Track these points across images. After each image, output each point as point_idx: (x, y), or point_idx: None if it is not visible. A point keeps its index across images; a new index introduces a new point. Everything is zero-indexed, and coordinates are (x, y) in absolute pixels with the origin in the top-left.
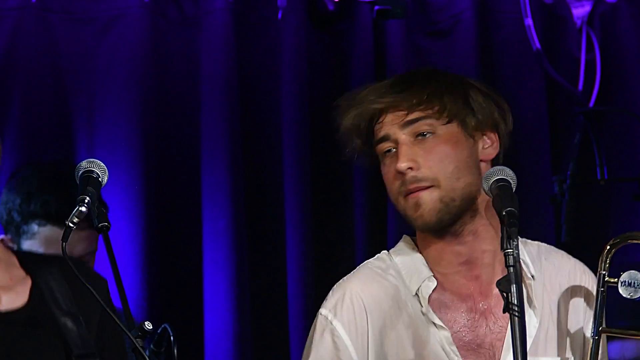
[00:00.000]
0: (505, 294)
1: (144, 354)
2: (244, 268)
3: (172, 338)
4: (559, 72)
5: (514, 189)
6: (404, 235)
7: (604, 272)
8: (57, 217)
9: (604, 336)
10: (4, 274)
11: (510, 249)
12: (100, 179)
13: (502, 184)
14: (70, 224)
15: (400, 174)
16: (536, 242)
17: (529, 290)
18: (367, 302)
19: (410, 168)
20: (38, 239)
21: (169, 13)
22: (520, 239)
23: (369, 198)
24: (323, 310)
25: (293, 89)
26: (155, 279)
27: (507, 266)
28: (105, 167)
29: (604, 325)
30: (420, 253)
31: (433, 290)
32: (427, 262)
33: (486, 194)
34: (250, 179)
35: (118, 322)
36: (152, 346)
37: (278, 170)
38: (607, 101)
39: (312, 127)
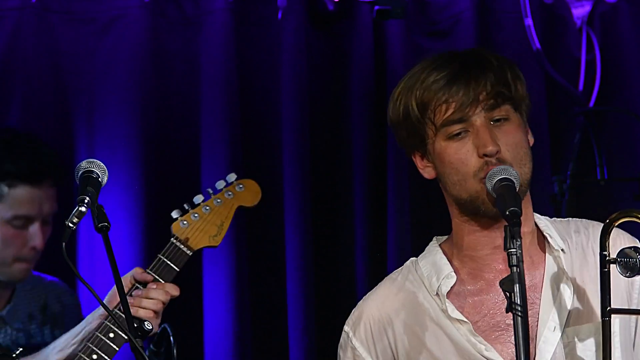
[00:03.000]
0: (508, 294)
1: (144, 354)
2: (244, 268)
3: (171, 338)
4: (559, 72)
5: (517, 188)
6: (434, 237)
7: (605, 252)
8: (28, 177)
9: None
10: None
11: (513, 248)
12: (100, 179)
13: (505, 183)
14: (70, 224)
15: (485, 156)
16: (566, 219)
17: (560, 262)
18: (385, 319)
19: (498, 151)
20: (7, 201)
21: (169, 13)
22: (548, 218)
23: (369, 198)
24: (345, 327)
25: (293, 89)
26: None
27: (510, 266)
28: (105, 168)
29: (611, 306)
30: (443, 251)
31: (453, 285)
32: (450, 256)
33: (489, 193)
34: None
35: (117, 322)
36: (151, 346)
37: (278, 171)
38: (607, 101)
39: (312, 127)
